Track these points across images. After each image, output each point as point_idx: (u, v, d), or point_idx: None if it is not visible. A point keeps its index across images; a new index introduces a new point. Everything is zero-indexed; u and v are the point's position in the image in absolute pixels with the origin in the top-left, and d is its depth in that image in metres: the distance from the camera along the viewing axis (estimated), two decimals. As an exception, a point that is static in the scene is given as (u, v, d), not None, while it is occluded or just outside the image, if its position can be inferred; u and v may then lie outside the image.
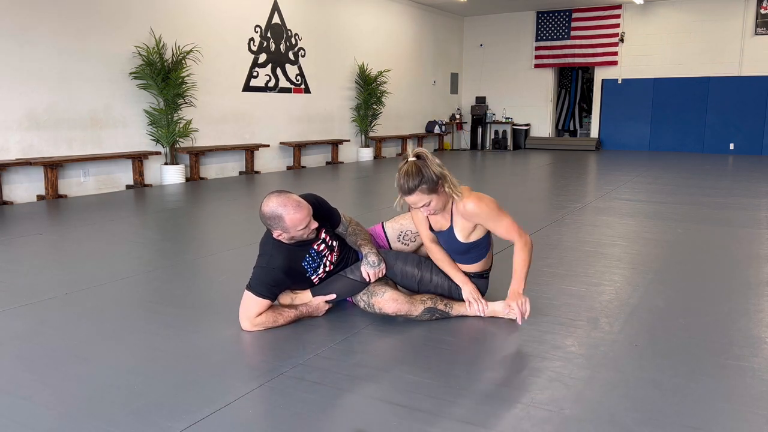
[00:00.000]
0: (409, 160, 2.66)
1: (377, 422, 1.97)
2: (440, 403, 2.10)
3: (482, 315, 2.89)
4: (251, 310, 2.73)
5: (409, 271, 2.92)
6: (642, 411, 2.04)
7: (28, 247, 4.57)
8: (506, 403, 2.11)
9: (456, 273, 2.91)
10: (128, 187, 7.91)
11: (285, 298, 2.93)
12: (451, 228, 2.80)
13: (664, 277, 3.69)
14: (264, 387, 2.22)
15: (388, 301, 2.83)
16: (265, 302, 2.73)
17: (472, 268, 2.93)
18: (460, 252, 2.86)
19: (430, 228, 2.92)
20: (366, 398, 2.14)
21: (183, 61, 8.25)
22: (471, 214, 2.70)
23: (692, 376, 2.31)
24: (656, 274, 3.75)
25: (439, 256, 2.91)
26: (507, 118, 15.47)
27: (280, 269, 2.74)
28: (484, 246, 2.88)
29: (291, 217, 2.64)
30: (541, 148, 15.12)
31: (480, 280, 2.96)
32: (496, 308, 2.90)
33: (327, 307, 2.92)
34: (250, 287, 2.73)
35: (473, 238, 2.80)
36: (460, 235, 2.79)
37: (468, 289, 2.90)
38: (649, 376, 2.30)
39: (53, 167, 6.90)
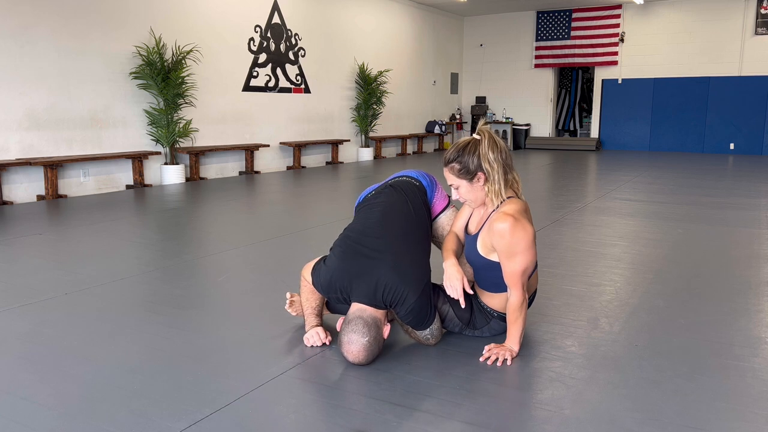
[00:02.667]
0: (474, 134, 2.46)
1: (377, 422, 1.97)
2: (440, 403, 2.10)
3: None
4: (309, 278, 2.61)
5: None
6: (642, 411, 2.04)
7: (28, 247, 4.57)
8: (506, 403, 2.11)
9: (446, 252, 2.59)
10: (128, 187, 7.91)
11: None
12: (477, 234, 2.52)
13: (664, 277, 3.69)
14: (264, 387, 2.22)
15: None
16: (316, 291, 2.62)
17: (494, 301, 2.58)
18: (477, 266, 2.54)
19: (466, 228, 2.64)
20: (366, 398, 2.14)
21: (183, 61, 8.25)
22: (494, 232, 2.38)
23: (692, 376, 2.31)
24: (656, 274, 3.75)
25: (446, 240, 2.66)
26: (507, 118, 15.47)
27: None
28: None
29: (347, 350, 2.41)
30: (541, 148, 15.11)
31: (502, 323, 2.61)
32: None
33: (314, 340, 2.60)
34: (318, 266, 2.56)
35: (494, 257, 2.46)
36: (481, 247, 2.48)
37: (449, 264, 2.53)
38: (649, 376, 2.30)
39: (53, 167, 6.90)
